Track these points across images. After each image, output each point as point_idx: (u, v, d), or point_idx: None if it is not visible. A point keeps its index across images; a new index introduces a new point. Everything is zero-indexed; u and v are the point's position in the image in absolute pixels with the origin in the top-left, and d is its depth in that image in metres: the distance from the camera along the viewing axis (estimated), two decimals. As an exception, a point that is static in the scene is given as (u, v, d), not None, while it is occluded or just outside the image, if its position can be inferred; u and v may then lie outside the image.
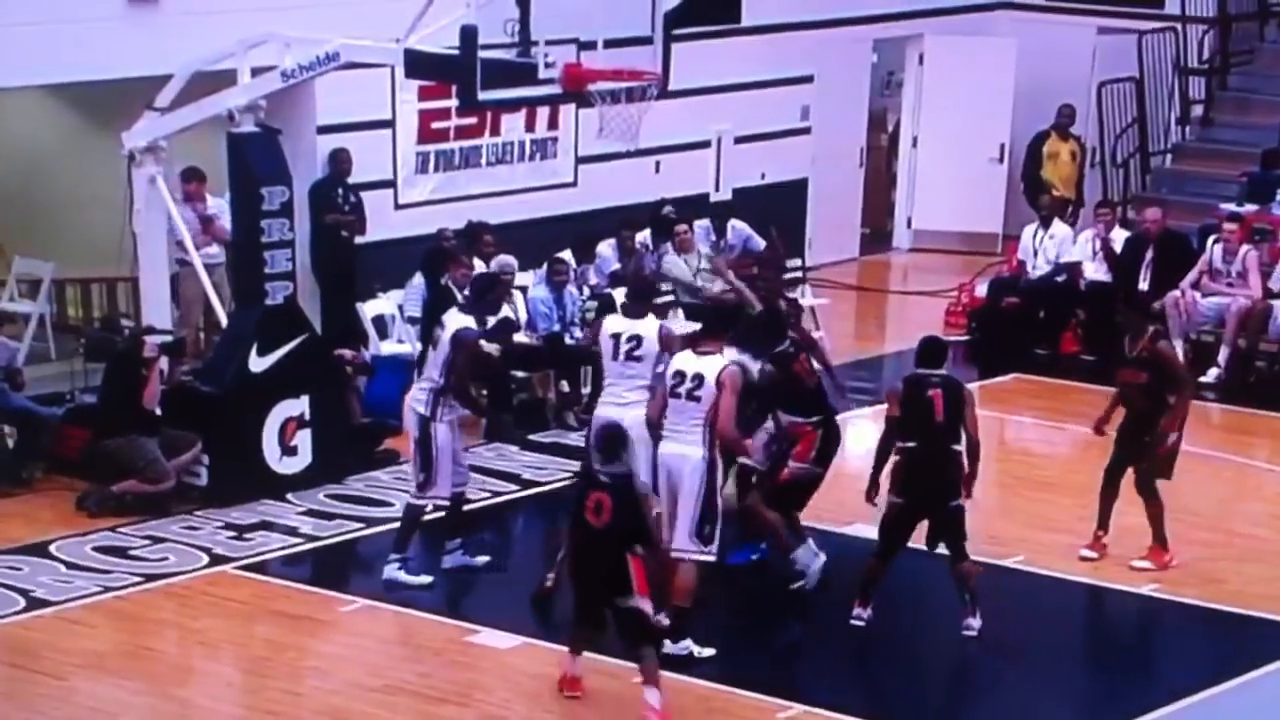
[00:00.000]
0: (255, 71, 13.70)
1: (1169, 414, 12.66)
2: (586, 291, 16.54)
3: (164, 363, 13.75)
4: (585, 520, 10.53)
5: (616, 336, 12.06)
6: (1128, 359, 13.05)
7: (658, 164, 18.97)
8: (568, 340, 15.86)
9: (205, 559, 12.71)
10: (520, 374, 15.88)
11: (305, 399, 13.86)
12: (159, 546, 12.89)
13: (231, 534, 13.14)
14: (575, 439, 15.20)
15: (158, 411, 13.56)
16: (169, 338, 14.00)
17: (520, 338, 15.43)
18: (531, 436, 15.37)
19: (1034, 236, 18.53)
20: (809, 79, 20.61)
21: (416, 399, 12.32)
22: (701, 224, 17.61)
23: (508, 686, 11.07)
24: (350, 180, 16.58)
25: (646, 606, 10.54)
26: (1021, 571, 12.81)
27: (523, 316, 15.89)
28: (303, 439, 13.88)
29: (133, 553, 12.79)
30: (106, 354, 14.10)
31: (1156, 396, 12.72)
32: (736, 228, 17.80)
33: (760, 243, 17.68)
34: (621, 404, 11.95)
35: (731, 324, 12.79)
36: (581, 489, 10.76)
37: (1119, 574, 12.74)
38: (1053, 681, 11.45)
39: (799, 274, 19.29)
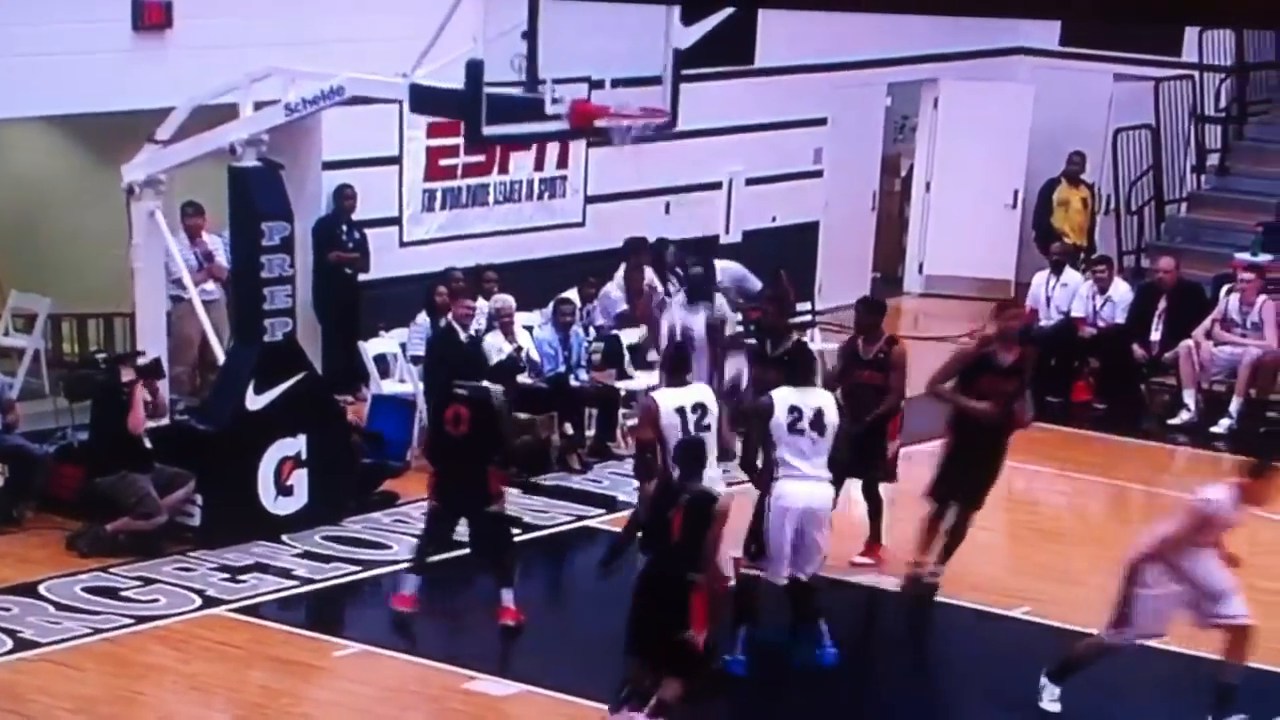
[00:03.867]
0: (259, 105, 13.55)
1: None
2: (593, 333, 16.33)
3: (156, 387, 13.46)
4: (445, 431, 11.88)
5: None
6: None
7: (667, 205, 18.81)
8: (573, 382, 15.63)
9: (198, 601, 12.50)
10: (523, 416, 15.58)
11: (303, 438, 13.65)
12: (150, 588, 12.67)
13: (225, 575, 12.92)
14: (579, 482, 15.07)
15: (147, 444, 13.32)
16: (143, 359, 13.62)
17: (523, 379, 15.17)
18: (534, 479, 15.11)
19: (1046, 284, 18.38)
20: (822, 121, 20.52)
21: None
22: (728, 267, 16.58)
23: (504, 736, 10.92)
24: (355, 217, 16.45)
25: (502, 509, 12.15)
26: (1027, 622, 12.58)
27: (533, 355, 15.64)
28: (299, 479, 13.67)
29: (124, 594, 12.56)
30: (87, 392, 13.84)
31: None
32: (728, 269, 16.51)
33: (756, 283, 16.36)
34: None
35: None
36: (440, 403, 12.11)
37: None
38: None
39: (808, 318, 19.08)
